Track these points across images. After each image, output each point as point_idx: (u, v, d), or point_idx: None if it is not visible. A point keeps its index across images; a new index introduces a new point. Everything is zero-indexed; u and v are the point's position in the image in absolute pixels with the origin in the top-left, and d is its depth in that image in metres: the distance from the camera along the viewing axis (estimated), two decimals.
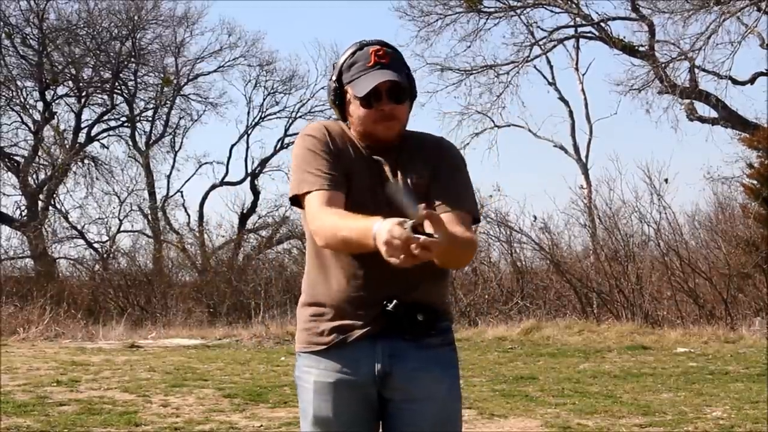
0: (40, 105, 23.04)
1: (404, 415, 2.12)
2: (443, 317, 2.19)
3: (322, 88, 22.87)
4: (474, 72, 19.54)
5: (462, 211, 2.12)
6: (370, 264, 2.06)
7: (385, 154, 2.17)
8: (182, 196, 24.43)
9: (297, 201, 2.14)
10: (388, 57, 2.12)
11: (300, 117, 24.23)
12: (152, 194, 23.30)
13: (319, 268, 2.16)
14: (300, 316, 2.23)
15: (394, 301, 2.08)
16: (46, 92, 22.92)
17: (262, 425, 5.65)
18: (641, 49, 18.33)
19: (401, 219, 1.78)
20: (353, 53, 2.14)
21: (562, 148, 21.22)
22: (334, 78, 2.17)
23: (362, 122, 2.13)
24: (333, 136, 2.17)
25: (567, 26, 19.46)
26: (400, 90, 2.11)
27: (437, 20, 19.30)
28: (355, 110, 2.14)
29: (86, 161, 23.11)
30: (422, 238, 1.75)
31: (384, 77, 2.07)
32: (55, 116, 23.42)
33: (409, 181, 2.13)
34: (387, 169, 2.14)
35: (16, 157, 22.82)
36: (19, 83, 22.88)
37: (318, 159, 2.12)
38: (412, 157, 2.17)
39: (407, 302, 2.10)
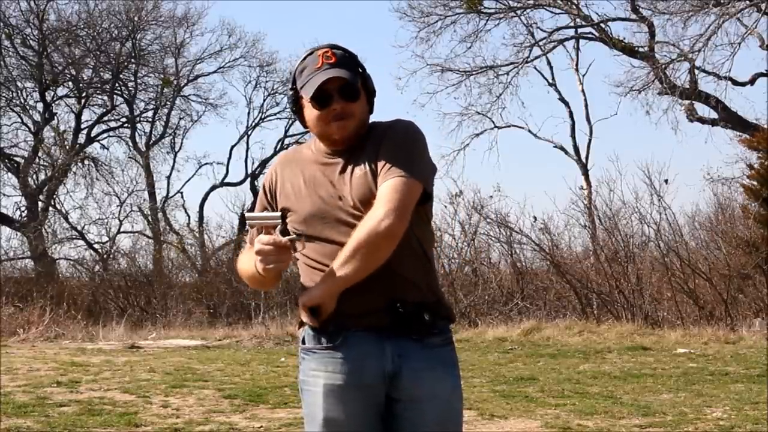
0: (40, 106, 23.09)
1: (409, 415, 2.12)
2: (442, 315, 2.19)
3: None
4: (474, 73, 19.56)
5: (400, 177, 2.05)
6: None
7: (349, 151, 2.16)
8: (182, 196, 24.51)
9: None
10: (336, 57, 2.12)
11: None
12: (152, 195, 23.32)
13: (321, 271, 2.15)
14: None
15: (403, 302, 2.09)
16: (46, 93, 22.92)
17: (262, 426, 5.65)
18: (641, 50, 18.32)
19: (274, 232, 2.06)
20: (304, 59, 2.15)
21: (562, 148, 21.23)
22: (290, 86, 2.20)
23: (316, 124, 2.15)
24: (290, 164, 2.23)
25: (567, 27, 19.50)
26: (351, 88, 2.11)
27: (437, 21, 19.34)
28: (309, 114, 2.16)
29: (86, 162, 23.13)
30: (284, 239, 2.05)
31: (329, 75, 2.08)
32: (55, 117, 23.48)
33: (358, 170, 2.12)
34: (338, 168, 2.16)
35: (16, 158, 22.84)
36: (19, 84, 22.91)
37: (258, 204, 2.29)
38: (367, 146, 2.15)
39: (414, 302, 2.10)
